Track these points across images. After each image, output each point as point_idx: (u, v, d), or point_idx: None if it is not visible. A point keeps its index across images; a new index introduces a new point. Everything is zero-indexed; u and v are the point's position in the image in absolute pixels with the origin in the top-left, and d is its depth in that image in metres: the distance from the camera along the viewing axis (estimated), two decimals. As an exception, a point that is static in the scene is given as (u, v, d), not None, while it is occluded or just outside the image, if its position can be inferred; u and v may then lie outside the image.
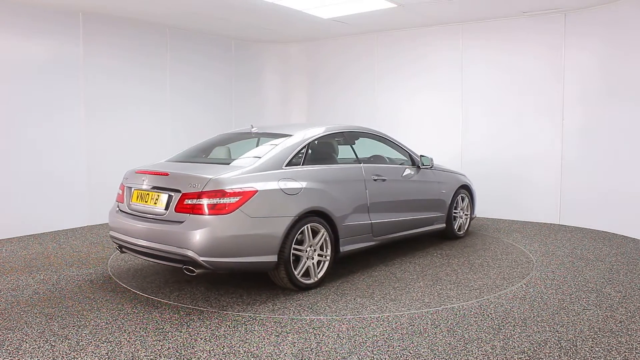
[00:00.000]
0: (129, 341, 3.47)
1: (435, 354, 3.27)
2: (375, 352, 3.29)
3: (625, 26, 6.69)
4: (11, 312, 4.02)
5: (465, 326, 3.71)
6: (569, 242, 6.41)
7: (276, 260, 4.26)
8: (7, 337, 3.56)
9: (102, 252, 5.97)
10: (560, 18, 7.34)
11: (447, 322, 3.80)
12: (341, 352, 3.30)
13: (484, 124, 8.10)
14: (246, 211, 4.11)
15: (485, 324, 3.74)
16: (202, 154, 5.18)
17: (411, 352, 3.30)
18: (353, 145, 5.45)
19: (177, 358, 3.23)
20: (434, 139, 8.46)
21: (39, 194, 7.01)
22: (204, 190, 4.07)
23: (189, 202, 4.10)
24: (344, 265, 5.29)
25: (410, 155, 5.97)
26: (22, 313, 4.01)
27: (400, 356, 3.24)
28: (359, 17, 7.74)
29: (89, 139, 7.50)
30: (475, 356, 3.23)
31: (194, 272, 4.10)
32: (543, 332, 3.59)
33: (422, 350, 3.31)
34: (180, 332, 3.63)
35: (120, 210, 4.73)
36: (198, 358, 3.23)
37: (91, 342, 3.46)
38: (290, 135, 4.88)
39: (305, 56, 9.98)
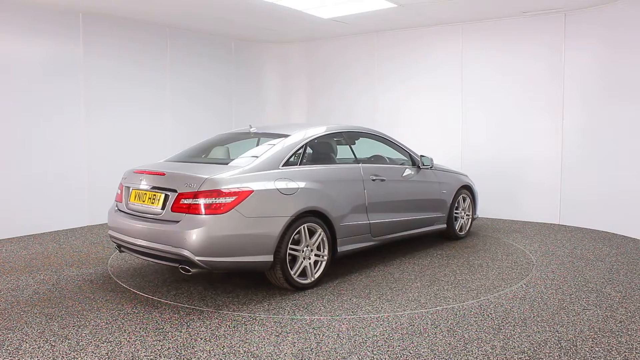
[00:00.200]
0: (129, 341, 3.48)
1: (435, 354, 3.27)
2: (375, 352, 3.29)
3: (625, 26, 6.69)
4: (11, 312, 4.02)
5: (465, 326, 3.71)
6: (569, 242, 6.41)
7: (272, 260, 4.27)
8: (7, 337, 3.56)
9: (102, 252, 5.97)
10: (560, 18, 7.35)
11: (447, 322, 3.80)
12: (341, 352, 3.30)
13: (483, 124, 8.10)
14: (242, 211, 4.12)
15: (485, 324, 3.74)
16: (201, 154, 5.20)
17: (411, 352, 3.30)
18: (352, 146, 5.45)
19: (177, 358, 3.23)
20: (433, 138, 8.46)
21: (39, 194, 7.01)
22: (199, 190, 4.09)
23: (185, 201, 4.12)
24: (343, 265, 5.29)
25: (410, 156, 5.96)
26: (22, 313, 4.01)
27: (400, 356, 3.24)
28: (359, 17, 7.74)
29: (89, 139, 7.51)
30: (475, 356, 3.23)
31: (189, 271, 4.11)
32: (543, 332, 3.59)
33: (422, 350, 3.31)
34: (180, 332, 3.63)
35: (119, 210, 4.76)
36: (198, 358, 3.23)
37: (91, 342, 3.46)
38: (288, 136, 4.89)
39: (305, 56, 9.98)
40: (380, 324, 3.76)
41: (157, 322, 3.81)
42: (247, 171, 4.35)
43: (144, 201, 4.45)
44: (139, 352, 3.31)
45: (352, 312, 4.01)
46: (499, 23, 7.85)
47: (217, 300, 4.31)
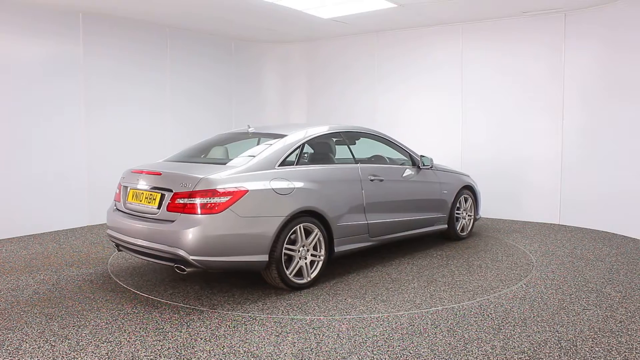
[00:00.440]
0: (129, 341, 3.48)
1: (435, 354, 3.27)
2: (375, 352, 3.29)
3: (625, 26, 6.69)
4: (11, 312, 4.02)
5: (465, 326, 3.71)
6: (569, 242, 6.41)
7: (267, 260, 4.28)
8: (7, 337, 3.56)
9: (102, 252, 5.97)
10: (560, 18, 7.35)
11: (447, 322, 3.80)
12: (341, 352, 3.30)
13: (483, 124, 8.10)
14: (236, 211, 4.13)
15: (485, 324, 3.74)
16: (200, 154, 5.21)
17: (411, 352, 3.30)
18: (351, 146, 5.44)
19: (177, 358, 3.23)
20: (434, 138, 8.46)
21: (39, 194, 7.01)
22: (194, 189, 4.11)
23: (180, 201, 4.14)
24: (341, 265, 5.29)
25: (410, 156, 5.95)
26: (22, 313, 4.01)
27: (400, 356, 3.24)
28: (359, 17, 7.74)
29: (89, 139, 7.51)
30: (475, 356, 3.23)
31: (184, 270, 4.13)
32: (543, 332, 3.59)
33: (422, 350, 3.31)
34: (180, 332, 3.63)
35: (117, 209, 4.80)
36: (198, 358, 3.23)
37: (91, 342, 3.46)
38: (285, 136, 4.90)
39: (305, 56, 9.98)
40: (380, 324, 3.75)
41: (157, 322, 3.81)
42: (243, 171, 4.37)
43: (141, 201, 4.48)
44: (139, 352, 3.31)
45: (347, 312, 4.00)
46: (499, 23, 7.85)
47: (212, 299, 4.32)
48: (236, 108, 9.66)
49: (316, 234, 4.62)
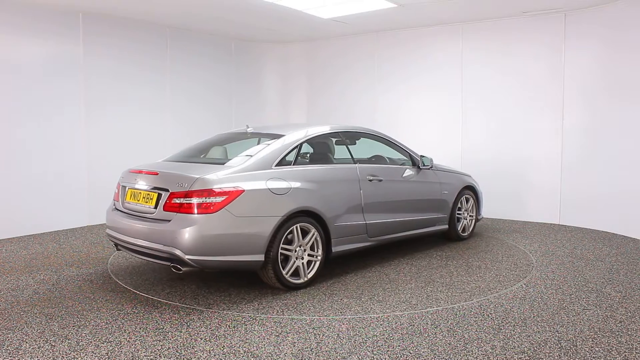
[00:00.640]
0: (129, 341, 3.48)
1: (435, 354, 3.27)
2: (375, 352, 3.29)
3: (625, 26, 6.69)
4: (11, 312, 4.02)
5: (465, 326, 3.71)
6: (569, 242, 6.41)
7: (263, 259, 4.28)
8: (7, 337, 3.56)
9: (102, 252, 5.97)
10: (560, 18, 7.35)
11: (447, 322, 3.80)
12: (341, 352, 3.30)
13: (483, 124, 8.10)
14: (232, 210, 4.14)
15: (485, 324, 3.74)
16: (199, 154, 5.22)
17: (411, 352, 3.30)
18: (350, 146, 5.44)
19: (177, 358, 3.23)
20: (434, 139, 8.46)
21: (39, 194, 7.01)
22: (190, 189, 4.12)
23: (177, 200, 4.16)
24: (339, 266, 5.29)
25: (410, 156, 5.95)
26: (22, 313, 4.01)
27: (400, 356, 3.24)
28: (359, 17, 7.74)
29: (89, 139, 7.51)
30: (475, 356, 3.23)
31: (180, 270, 4.15)
32: (543, 332, 3.59)
33: (422, 350, 3.31)
34: (180, 332, 3.63)
35: (116, 209, 4.82)
36: (198, 358, 3.23)
37: (91, 342, 3.46)
38: (283, 136, 4.90)
39: (305, 56, 9.98)
40: (380, 324, 3.75)
41: (157, 322, 3.81)
42: (239, 171, 4.38)
43: (138, 200, 4.50)
44: (139, 352, 3.31)
45: (341, 312, 4.00)
46: (499, 23, 7.85)
47: (209, 298, 4.33)
48: (236, 108, 9.66)
49: (313, 234, 4.62)
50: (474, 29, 8.07)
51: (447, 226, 6.30)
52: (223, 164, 4.59)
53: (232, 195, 4.16)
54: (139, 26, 8.02)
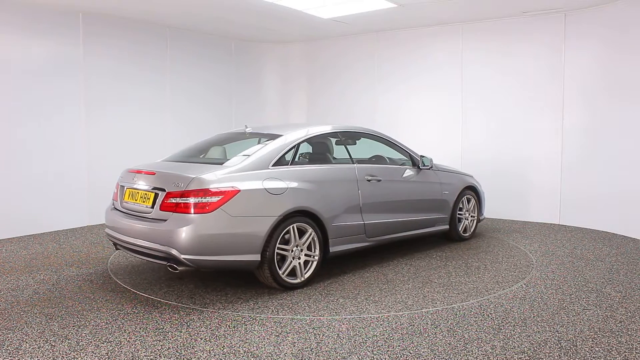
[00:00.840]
0: (129, 341, 3.48)
1: (435, 354, 3.27)
2: (375, 352, 3.29)
3: (625, 26, 6.69)
4: (11, 312, 4.02)
5: (465, 326, 3.71)
6: (569, 242, 6.41)
7: (259, 259, 4.29)
8: (7, 337, 3.56)
9: (102, 252, 5.97)
10: (560, 18, 7.35)
11: (447, 322, 3.80)
12: (341, 352, 3.30)
13: (483, 124, 8.10)
14: (228, 210, 4.15)
15: (485, 324, 3.74)
16: (198, 154, 5.22)
17: (411, 352, 3.30)
18: (352, 146, 5.44)
19: (177, 358, 3.23)
20: (434, 139, 8.46)
21: (39, 194, 7.01)
22: (186, 189, 4.14)
23: (173, 200, 4.18)
24: (338, 266, 5.29)
25: (410, 156, 5.94)
26: (22, 313, 4.01)
27: (400, 356, 3.24)
28: (359, 17, 7.74)
29: (89, 139, 7.51)
30: (475, 356, 3.23)
31: (176, 269, 4.16)
32: (543, 332, 3.59)
33: (422, 350, 3.31)
34: (180, 332, 3.63)
35: (115, 208, 4.85)
36: (198, 358, 3.23)
37: (91, 342, 3.46)
38: (280, 136, 4.91)
39: (305, 56, 9.98)
40: (381, 324, 3.75)
41: (157, 322, 3.81)
42: (236, 171, 4.39)
43: (136, 200, 4.52)
44: (139, 352, 3.31)
45: (336, 312, 3.99)
46: (499, 23, 7.85)
47: (205, 297, 4.34)
48: (236, 108, 9.66)
49: (310, 234, 4.62)
50: (474, 29, 8.07)
51: (448, 226, 6.29)
52: (221, 164, 4.59)
53: (228, 195, 4.17)
54: (139, 26, 8.02)
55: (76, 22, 7.31)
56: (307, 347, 3.37)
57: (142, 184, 4.52)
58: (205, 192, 4.12)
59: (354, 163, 5.30)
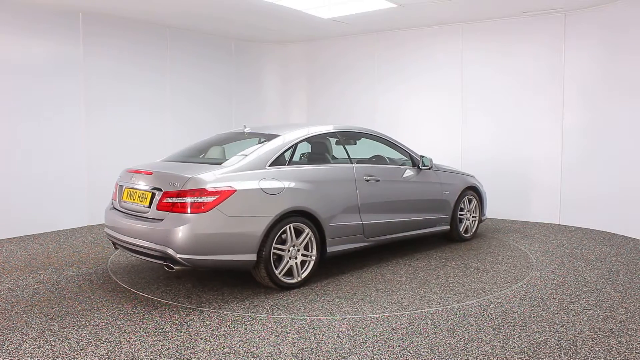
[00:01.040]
0: (129, 341, 3.48)
1: (435, 354, 3.27)
2: (375, 352, 3.29)
3: (625, 26, 6.69)
4: (11, 312, 4.03)
5: (465, 326, 3.71)
6: (569, 242, 6.41)
7: (255, 259, 4.30)
8: (7, 337, 3.56)
9: (102, 252, 5.97)
10: (560, 18, 7.35)
11: (447, 322, 3.80)
12: (341, 352, 3.30)
13: (484, 124, 8.10)
14: (223, 210, 4.16)
15: (485, 324, 3.74)
16: (197, 154, 5.23)
17: (411, 352, 3.30)
18: (350, 146, 5.43)
19: (177, 358, 3.23)
20: (434, 139, 8.46)
21: (39, 194, 7.01)
22: (183, 189, 4.15)
23: (169, 200, 4.19)
24: (336, 266, 5.28)
25: (410, 156, 5.93)
26: (22, 313, 4.01)
27: (400, 356, 3.24)
28: (359, 17, 7.74)
29: (89, 139, 7.51)
30: (475, 356, 3.23)
31: (173, 268, 4.18)
32: (543, 332, 3.59)
33: (422, 350, 3.31)
34: (180, 332, 3.63)
35: (114, 208, 4.87)
36: (198, 358, 3.23)
37: (91, 342, 3.46)
38: (278, 136, 4.91)
39: (305, 56, 9.98)
40: (381, 324, 3.75)
41: (157, 322, 3.81)
42: (233, 171, 4.39)
43: (134, 199, 4.54)
44: (139, 352, 3.31)
45: (330, 312, 3.99)
46: (499, 23, 7.85)
47: (201, 297, 4.34)
48: (236, 108, 9.66)
49: (307, 234, 4.62)
50: (474, 29, 8.07)
51: (448, 227, 6.28)
52: (220, 164, 4.60)
53: (224, 195, 4.18)
54: (139, 26, 8.02)
55: (76, 22, 7.31)
56: (307, 347, 3.37)
57: (140, 184, 4.53)
58: (201, 192, 4.13)
59: (352, 163, 5.29)
